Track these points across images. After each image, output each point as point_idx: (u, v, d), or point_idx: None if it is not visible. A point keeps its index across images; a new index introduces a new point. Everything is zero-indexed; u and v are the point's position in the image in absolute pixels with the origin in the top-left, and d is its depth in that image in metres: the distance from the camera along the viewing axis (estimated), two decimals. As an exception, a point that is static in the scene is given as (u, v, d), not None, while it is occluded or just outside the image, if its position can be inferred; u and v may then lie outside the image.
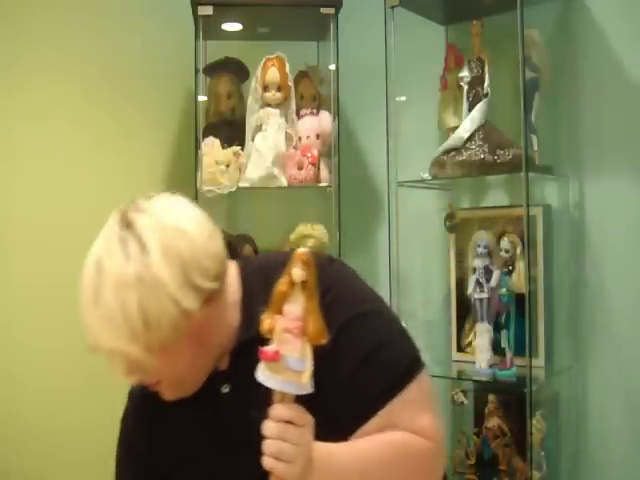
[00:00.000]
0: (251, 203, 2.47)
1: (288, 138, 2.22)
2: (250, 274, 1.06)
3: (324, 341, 0.88)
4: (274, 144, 2.17)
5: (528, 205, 1.84)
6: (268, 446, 0.88)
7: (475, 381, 2.10)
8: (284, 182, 2.20)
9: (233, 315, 1.02)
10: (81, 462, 2.03)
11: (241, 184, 2.20)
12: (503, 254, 2.03)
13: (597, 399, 2.02)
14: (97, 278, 0.90)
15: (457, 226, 2.20)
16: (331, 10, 2.18)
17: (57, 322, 2.02)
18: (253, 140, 2.21)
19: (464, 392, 2.14)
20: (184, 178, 2.33)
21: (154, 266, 0.89)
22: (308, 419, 0.90)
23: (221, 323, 1.00)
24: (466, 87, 2.02)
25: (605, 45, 2.00)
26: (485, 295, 1.99)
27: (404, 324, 1.08)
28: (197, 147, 2.18)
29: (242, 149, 2.23)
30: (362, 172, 2.51)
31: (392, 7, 2.08)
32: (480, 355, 1.99)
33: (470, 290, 2.02)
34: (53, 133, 2.06)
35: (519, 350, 1.95)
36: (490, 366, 1.98)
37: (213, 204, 2.26)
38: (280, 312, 0.88)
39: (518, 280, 1.99)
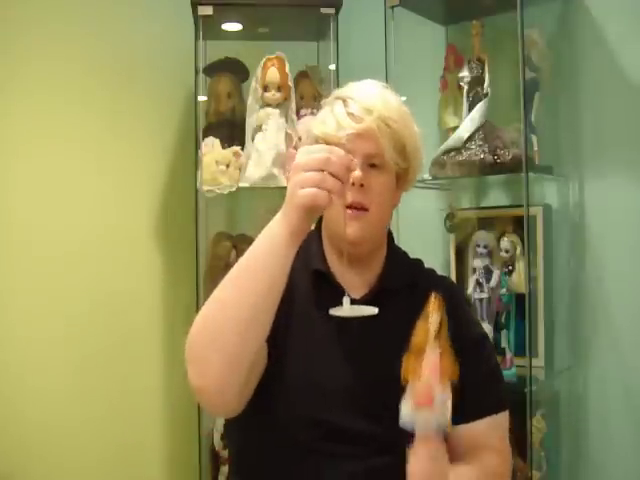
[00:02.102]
0: (251, 203, 2.47)
1: (288, 138, 2.21)
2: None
3: (456, 377, 1.00)
4: (274, 144, 2.17)
5: (528, 205, 1.84)
6: None
7: (475, 381, 2.09)
8: (284, 182, 2.20)
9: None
10: (83, 463, 2.04)
11: (241, 184, 2.20)
12: (503, 254, 2.03)
13: (597, 399, 2.02)
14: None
15: (457, 226, 2.20)
16: (331, 10, 2.17)
17: (59, 323, 2.02)
18: (253, 140, 2.20)
19: (464, 392, 2.14)
20: (184, 178, 2.33)
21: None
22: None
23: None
24: (466, 87, 2.02)
25: (605, 45, 2.00)
26: (485, 295, 1.99)
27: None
28: (197, 147, 2.18)
29: (242, 149, 2.23)
30: (362, 172, 2.51)
31: (392, 7, 2.09)
32: (480, 355, 1.99)
33: (470, 290, 2.02)
34: (53, 133, 2.06)
35: (519, 350, 1.95)
36: (490, 366, 1.98)
37: (213, 204, 2.26)
38: (421, 355, 0.99)
39: (518, 280, 1.99)
